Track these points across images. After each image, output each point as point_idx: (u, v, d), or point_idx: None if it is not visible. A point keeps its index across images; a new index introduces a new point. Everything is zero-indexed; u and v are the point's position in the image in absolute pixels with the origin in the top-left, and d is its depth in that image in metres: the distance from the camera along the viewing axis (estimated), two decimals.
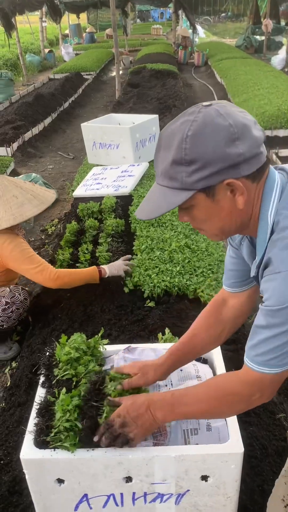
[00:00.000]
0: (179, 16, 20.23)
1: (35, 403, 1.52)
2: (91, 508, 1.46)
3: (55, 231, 4.35)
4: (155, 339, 2.15)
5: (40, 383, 1.61)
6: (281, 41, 17.42)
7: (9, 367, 2.71)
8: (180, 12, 19.84)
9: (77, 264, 3.03)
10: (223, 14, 27.53)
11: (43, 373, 1.64)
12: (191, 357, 1.56)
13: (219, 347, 1.74)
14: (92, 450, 1.36)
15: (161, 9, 29.23)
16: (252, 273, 1.21)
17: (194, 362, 1.69)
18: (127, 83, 10.68)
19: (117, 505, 1.46)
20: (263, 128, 6.26)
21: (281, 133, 6.49)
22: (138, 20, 31.59)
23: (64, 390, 1.48)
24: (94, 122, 4.99)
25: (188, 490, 1.43)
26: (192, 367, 1.66)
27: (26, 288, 2.89)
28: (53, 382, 1.57)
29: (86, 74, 12.70)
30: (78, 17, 22.50)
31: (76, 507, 1.46)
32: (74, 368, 1.56)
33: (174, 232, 3.36)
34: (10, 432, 2.02)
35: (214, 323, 1.49)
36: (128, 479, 1.40)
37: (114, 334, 2.47)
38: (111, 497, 1.44)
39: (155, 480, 1.40)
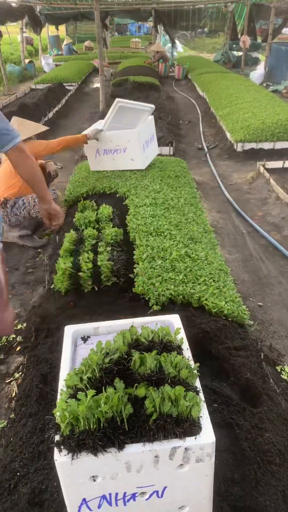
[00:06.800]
0: (158, 31, 20.55)
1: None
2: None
3: (49, 240, 4.32)
4: None
5: None
6: (258, 57, 17.92)
7: (12, 378, 2.66)
8: (159, 26, 20.19)
9: (80, 273, 3.02)
10: (200, 30, 28.18)
11: None
12: None
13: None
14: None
15: (139, 23, 29.70)
16: None
17: None
18: (110, 95, 10.73)
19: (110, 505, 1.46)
20: (249, 140, 6.52)
21: (266, 145, 6.64)
22: (116, 33, 31.93)
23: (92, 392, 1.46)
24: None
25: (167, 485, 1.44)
26: None
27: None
28: None
29: (68, 85, 12.72)
30: (57, 29, 22.60)
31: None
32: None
33: (173, 241, 3.39)
34: (24, 443, 1.98)
35: None
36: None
37: None
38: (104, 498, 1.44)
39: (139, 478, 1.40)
